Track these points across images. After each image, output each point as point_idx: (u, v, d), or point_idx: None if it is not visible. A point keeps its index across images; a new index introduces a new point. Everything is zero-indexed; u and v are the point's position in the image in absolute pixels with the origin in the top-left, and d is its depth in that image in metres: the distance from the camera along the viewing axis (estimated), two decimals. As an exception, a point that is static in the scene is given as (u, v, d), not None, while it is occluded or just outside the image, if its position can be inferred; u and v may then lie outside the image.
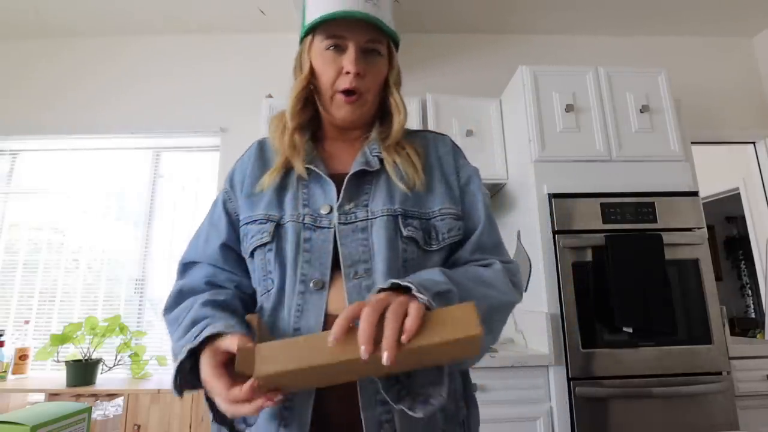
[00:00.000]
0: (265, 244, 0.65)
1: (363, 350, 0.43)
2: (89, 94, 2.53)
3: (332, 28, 0.65)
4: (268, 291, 0.64)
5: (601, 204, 1.73)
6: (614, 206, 1.73)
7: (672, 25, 2.63)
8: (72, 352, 2.04)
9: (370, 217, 0.64)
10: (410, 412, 0.51)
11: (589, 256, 1.68)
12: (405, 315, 0.45)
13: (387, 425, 0.57)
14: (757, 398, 1.70)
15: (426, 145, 0.74)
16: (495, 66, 2.54)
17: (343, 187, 0.65)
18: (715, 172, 2.98)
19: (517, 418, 1.55)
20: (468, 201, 0.70)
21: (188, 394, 2.00)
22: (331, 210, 0.64)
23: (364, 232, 0.63)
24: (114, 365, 2.14)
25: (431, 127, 2.07)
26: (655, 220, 1.72)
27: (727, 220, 4.06)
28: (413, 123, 2.10)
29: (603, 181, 1.77)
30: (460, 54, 2.64)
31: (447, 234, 0.66)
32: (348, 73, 0.65)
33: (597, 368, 1.58)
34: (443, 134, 0.78)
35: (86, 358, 1.97)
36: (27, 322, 2.29)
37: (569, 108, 1.84)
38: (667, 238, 1.66)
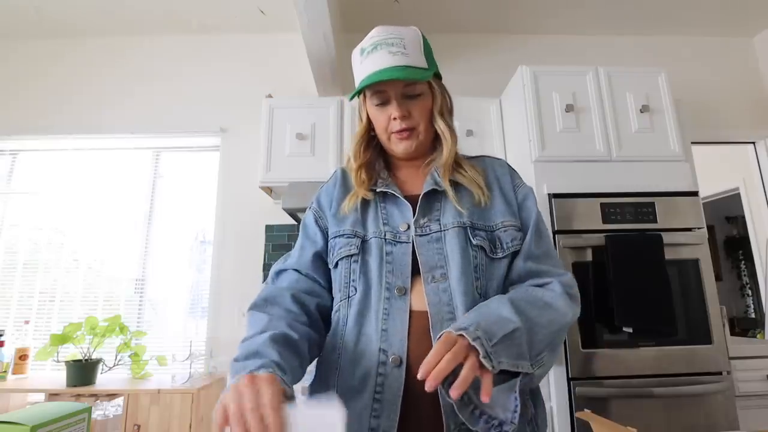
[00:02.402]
0: (351, 255, 0.75)
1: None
2: (89, 94, 2.53)
3: (376, 85, 0.76)
4: (349, 297, 0.74)
5: (601, 204, 1.73)
6: (614, 206, 1.73)
7: (672, 25, 2.63)
8: (72, 352, 2.04)
9: (442, 229, 0.74)
10: None
11: (589, 256, 1.68)
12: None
13: None
14: (757, 398, 1.70)
15: (485, 167, 0.84)
16: (495, 66, 2.54)
17: (418, 205, 0.77)
18: (715, 172, 2.98)
19: (517, 418, 1.55)
20: (524, 216, 0.79)
21: (187, 395, 1.99)
22: (409, 227, 0.75)
23: (439, 242, 0.74)
24: (114, 365, 2.14)
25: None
26: (655, 220, 1.72)
27: (727, 220, 4.06)
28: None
29: (603, 181, 1.77)
30: (460, 54, 2.64)
31: (510, 243, 0.75)
32: (395, 118, 0.77)
33: (597, 368, 1.58)
34: (499, 158, 0.89)
35: (86, 358, 1.97)
36: (27, 322, 2.29)
37: (569, 108, 1.84)
38: (667, 238, 1.66)
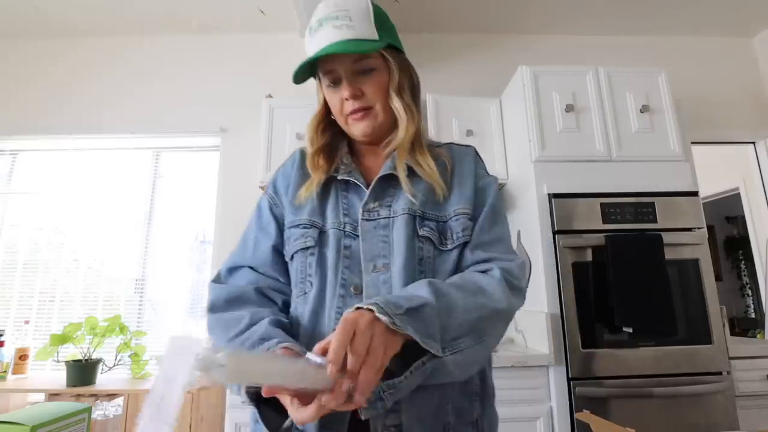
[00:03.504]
0: (307, 248, 0.69)
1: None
2: (89, 94, 2.53)
3: (325, 64, 0.70)
4: (305, 294, 0.68)
5: (601, 204, 1.73)
6: (614, 206, 1.73)
7: (672, 25, 2.63)
8: (72, 352, 2.03)
9: (392, 216, 0.69)
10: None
11: (589, 256, 1.68)
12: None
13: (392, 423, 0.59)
14: (757, 398, 1.70)
15: (451, 155, 0.77)
16: (495, 66, 2.54)
17: (370, 188, 0.71)
18: (715, 172, 2.97)
19: (518, 418, 1.55)
20: (478, 204, 0.73)
21: (187, 395, 1.99)
22: None
23: (386, 229, 0.68)
24: (114, 365, 2.14)
25: (431, 126, 2.07)
26: (655, 220, 1.72)
27: (727, 220, 4.06)
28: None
29: (603, 181, 1.77)
30: (460, 54, 2.63)
31: (461, 233, 0.69)
32: (347, 99, 0.70)
33: (597, 368, 1.58)
34: (468, 145, 0.82)
35: (86, 358, 1.97)
36: (27, 322, 2.29)
37: (569, 108, 1.84)
38: (667, 238, 1.66)
